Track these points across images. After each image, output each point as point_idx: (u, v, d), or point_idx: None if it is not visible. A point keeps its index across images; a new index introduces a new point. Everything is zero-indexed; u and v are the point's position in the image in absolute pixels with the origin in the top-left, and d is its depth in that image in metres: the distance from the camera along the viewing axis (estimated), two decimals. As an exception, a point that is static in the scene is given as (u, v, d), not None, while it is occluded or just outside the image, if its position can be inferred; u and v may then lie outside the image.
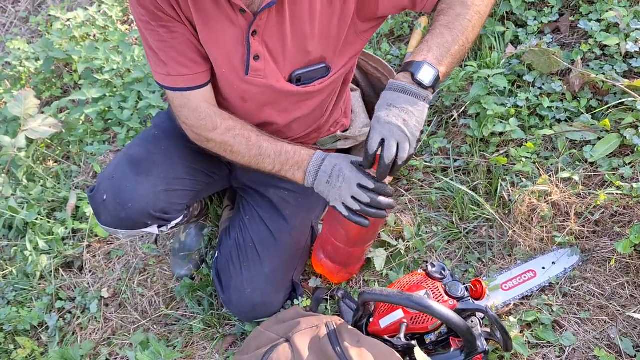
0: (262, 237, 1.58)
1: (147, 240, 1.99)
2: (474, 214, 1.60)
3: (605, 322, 1.36)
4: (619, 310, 1.35)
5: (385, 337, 1.37)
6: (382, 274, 1.62)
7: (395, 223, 1.69)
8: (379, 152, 1.17)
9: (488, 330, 1.35)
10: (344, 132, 1.71)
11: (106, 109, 2.44)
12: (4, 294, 1.98)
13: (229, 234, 1.63)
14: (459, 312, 1.33)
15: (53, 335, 1.84)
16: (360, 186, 1.24)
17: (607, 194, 1.44)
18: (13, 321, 1.86)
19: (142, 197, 1.38)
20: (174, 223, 1.53)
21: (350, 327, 1.37)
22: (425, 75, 1.14)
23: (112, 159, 1.50)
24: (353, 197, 1.24)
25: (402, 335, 1.32)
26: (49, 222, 2.10)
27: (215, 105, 1.37)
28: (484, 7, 1.24)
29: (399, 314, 1.35)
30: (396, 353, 1.29)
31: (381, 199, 1.23)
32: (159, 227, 1.49)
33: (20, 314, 1.86)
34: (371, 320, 1.41)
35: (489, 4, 1.27)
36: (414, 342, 1.32)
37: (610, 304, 1.37)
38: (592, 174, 1.54)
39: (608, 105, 1.59)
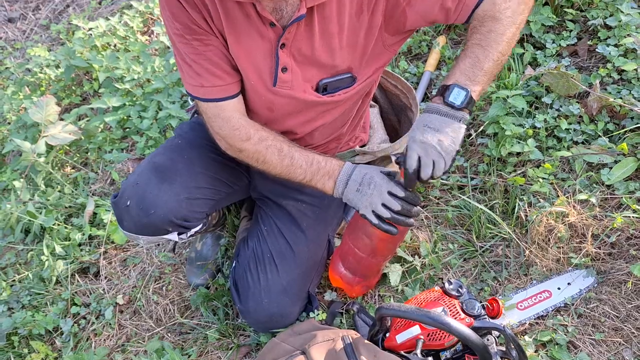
0: (280, 248, 1.59)
1: (164, 248, 2.01)
2: (491, 233, 1.62)
3: (620, 344, 1.37)
4: (633, 332, 1.36)
5: (402, 352, 1.38)
6: (397, 289, 1.63)
7: (411, 239, 1.71)
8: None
9: (503, 349, 1.36)
10: (362, 147, 1.73)
11: (125, 117, 2.48)
12: (19, 297, 2.00)
13: (247, 245, 1.65)
14: (476, 330, 1.34)
15: (67, 341, 1.86)
16: (390, 194, 1.28)
17: (623, 216, 1.45)
18: (28, 325, 1.87)
19: (164, 205, 1.41)
20: (193, 231, 1.55)
21: (366, 341, 1.38)
22: (457, 97, 1.19)
23: (137, 167, 1.53)
24: (384, 205, 1.28)
25: (418, 351, 1.33)
26: (66, 227, 2.13)
27: (246, 115, 1.41)
28: (518, 16, 1.25)
29: (416, 329, 1.36)
30: (412, 368, 1.31)
31: (409, 207, 1.28)
32: (179, 234, 1.51)
33: (35, 319, 1.88)
34: (387, 335, 1.42)
35: (525, 10, 1.27)
36: (430, 359, 1.33)
37: (625, 325, 1.38)
38: (609, 196, 1.55)
39: (625, 129, 1.61)
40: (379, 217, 1.30)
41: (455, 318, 1.34)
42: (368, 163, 1.77)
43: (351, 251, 1.51)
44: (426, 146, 1.19)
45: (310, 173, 1.36)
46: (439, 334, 1.34)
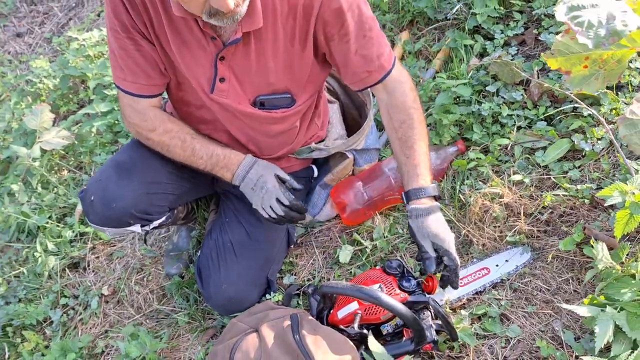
0: (239, 238, 1.71)
1: (142, 241, 2.14)
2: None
3: (550, 316, 1.44)
4: (562, 305, 1.43)
5: (342, 327, 1.48)
6: (351, 271, 1.73)
7: (370, 222, 1.81)
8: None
9: (440, 322, 1.45)
10: (319, 142, 1.83)
11: (115, 122, 2.63)
12: (16, 292, 2.16)
13: (210, 235, 1.77)
14: (410, 304, 1.43)
15: (57, 330, 2.00)
16: (278, 200, 1.50)
17: (554, 195, 1.53)
18: (21, 316, 2.03)
19: (123, 199, 1.54)
20: (156, 223, 1.68)
21: (310, 317, 1.49)
22: (438, 191, 1.44)
23: (102, 165, 1.67)
24: (271, 207, 1.51)
25: (355, 325, 1.43)
26: (58, 226, 2.29)
27: (159, 109, 1.55)
28: (419, 101, 1.52)
29: (354, 305, 1.47)
30: (349, 341, 1.41)
31: (293, 213, 1.52)
32: (142, 226, 1.64)
33: (28, 310, 2.04)
34: (331, 311, 1.53)
35: (420, 103, 1.52)
36: (365, 331, 1.43)
37: (555, 298, 1.46)
38: (545, 177, 1.63)
39: (557, 110, 1.68)
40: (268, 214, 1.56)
41: (390, 294, 1.44)
42: (324, 157, 1.88)
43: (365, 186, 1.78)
44: (451, 241, 1.40)
45: (210, 164, 1.53)
46: (374, 309, 1.44)
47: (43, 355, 1.90)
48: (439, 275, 1.46)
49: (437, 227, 1.39)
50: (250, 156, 1.55)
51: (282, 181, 1.56)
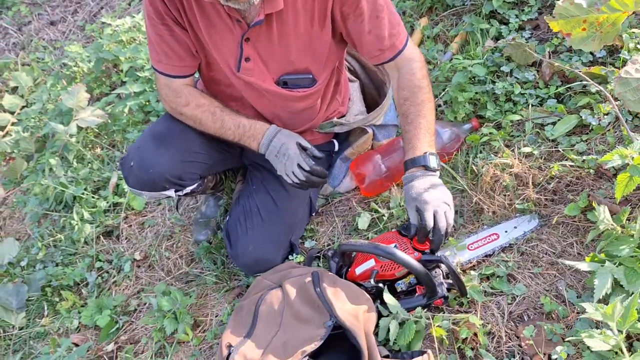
0: (265, 204, 1.84)
1: (174, 208, 2.28)
2: (450, 185, 1.82)
3: (554, 276, 1.54)
4: (567, 266, 1.54)
5: (360, 282, 1.60)
6: (368, 237, 1.85)
7: (387, 193, 1.93)
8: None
9: (450, 280, 1.56)
10: (340, 118, 1.95)
11: (146, 102, 2.78)
12: (54, 257, 2.32)
13: (238, 202, 1.90)
14: (424, 263, 1.54)
15: (92, 291, 2.15)
16: (299, 166, 1.61)
17: (561, 165, 1.63)
18: (59, 278, 2.18)
19: (160, 165, 1.67)
20: (189, 189, 1.81)
21: (330, 273, 1.61)
22: (433, 161, 1.53)
23: (141, 134, 1.80)
24: (293, 173, 1.62)
25: (372, 280, 1.55)
26: (93, 197, 2.44)
27: (192, 87, 1.70)
28: (429, 79, 1.63)
29: (371, 262, 1.58)
30: (365, 293, 1.53)
31: (314, 178, 1.62)
32: (175, 191, 1.77)
33: (65, 272, 2.19)
34: (350, 269, 1.64)
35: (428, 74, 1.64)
36: (381, 285, 1.55)
37: (560, 260, 1.56)
38: (553, 149, 1.73)
39: (567, 87, 1.78)
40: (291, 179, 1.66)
41: (405, 252, 1.55)
42: (345, 133, 2.00)
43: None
44: (436, 202, 1.48)
45: (238, 134, 1.66)
46: (390, 266, 1.56)
47: (79, 312, 2.05)
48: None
49: (420, 190, 1.50)
50: (274, 126, 1.67)
51: (303, 149, 1.66)
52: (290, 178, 1.65)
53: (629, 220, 1.46)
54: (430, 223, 1.48)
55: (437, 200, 1.49)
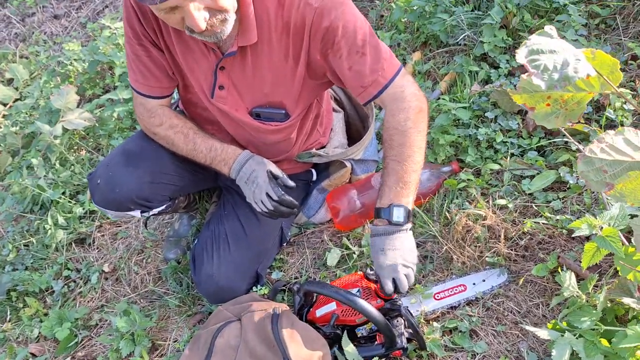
0: (235, 231, 1.81)
1: (148, 226, 2.25)
2: (422, 229, 1.78)
3: (517, 337, 1.51)
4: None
5: (319, 325, 1.57)
6: (336, 274, 1.81)
7: (361, 229, 1.89)
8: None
9: (411, 331, 1.52)
10: (319, 149, 1.92)
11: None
12: (24, 260, 2.29)
13: (208, 226, 1.87)
14: (385, 311, 1.51)
15: (57, 300, 2.12)
16: (268, 195, 1.56)
17: (534, 222, 1.60)
18: (25, 283, 2.15)
19: (127, 185, 1.64)
20: (156, 211, 1.78)
21: (290, 313, 1.58)
22: (398, 215, 1.41)
23: (112, 150, 1.77)
24: (261, 201, 1.57)
25: (330, 324, 1.52)
26: (70, 202, 2.41)
27: (168, 108, 1.67)
28: (419, 124, 1.45)
29: (332, 306, 1.55)
30: (322, 338, 1.50)
31: (282, 208, 1.57)
32: (142, 212, 1.74)
33: (33, 278, 2.16)
34: (311, 309, 1.61)
35: (423, 117, 1.47)
36: (339, 332, 1.51)
37: (524, 320, 1.52)
38: (528, 204, 1.69)
39: (549, 142, 1.75)
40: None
41: (367, 299, 1.52)
42: (325, 163, 1.97)
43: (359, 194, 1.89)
44: (395, 267, 1.41)
45: (209, 158, 1.62)
46: (350, 311, 1.52)
47: (41, 321, 2.02)
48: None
49: (380, 253, 1.43)
50: (247, 151, 1.64)
51: (274, 177, 1.62)
52: (259, 206, 1.61)
53: (596, 286, 1.43)
54: (390, 290, 1.44)
55: (397, 265, 1.41)
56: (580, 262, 1.51)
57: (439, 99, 2.05)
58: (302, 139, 1.79)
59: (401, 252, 1.42)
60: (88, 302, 2.10)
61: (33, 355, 1.95)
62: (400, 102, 1.47)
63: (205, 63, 1.51)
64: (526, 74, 0.85)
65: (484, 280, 1.64)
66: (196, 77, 1.56)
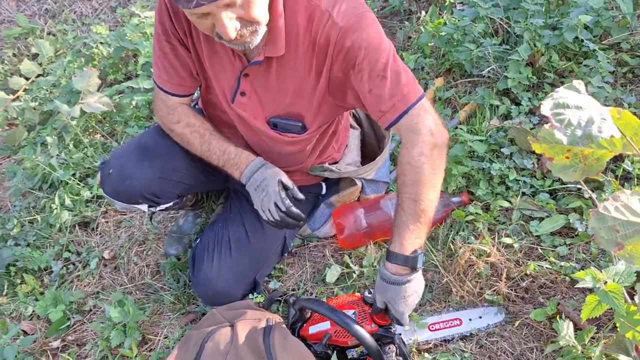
0: (238, 236, 1.81)
1: (151, 218, 2.26)
2: (425, 259, 1.77)
3: (507, 378, 1.50)
4: (521, 371, 1.49)
5: (311, 342, 1.56)
6: (334, 291, 1.81)
7: (364, 249, 1.89)
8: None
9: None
10: (332, 164, 1.92)
11: (153, 100, 2.76)
12: (27, 236, 2.30)
13: (212, 227, 1.87)
14: (378, 337, 1.51)
15: (54, 280, 2.13)
16: (276, 205, 1.54)
17: (538, 265, 1.59)
18: (25, 260, 2.16)
19: (138, 179, 1.65)
20: (163, 206, 1.78)
21: (283, 326, 1.57)
22: (421, 262, 1.38)
23: (127, 141, 1.78)
24: (269, 210, 1.55)
25: (322, 343, 1.51)
26: (79, 184, 2.42)
27: (188, 106, 1.68)
28: (434, 161, 1.38)
29: (326, 325, 1.55)
30: (313, 356, 1.49)
31: (289, 220, 1.55)
32: (149, 206, 1.75)
33: (33, 255, 2.17)
34: (304, 325, 1.61)
35: (440, 154, 1.40)
36: (330, 352, 1.51)
37: (516, 364, 1.51)
38: (534, 246, 1.68)
39: (562, 187, 1.74)
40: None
41: (362, 322, 1.51)
42: (335, 178, 1.97)
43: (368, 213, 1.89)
44: (411, 308, 1.42)
45: (222, 160, 1.62)
46: (344, 332, 1.52)
47: (36, 299, 2.03)
48: None
49: (397, 299, 1.40)
50: (260, 159, 1.63)
51: (285, 188, 1.60)
52: (266, 215, 1.60)
53: (593, 339, 1.42)
54: (407, 323, 1.45)
55: (411, 308, 1.42)
56: (580, 311, 1.50)
57: (456, 128, 2.05)
58: (316, 153, 1.79)
59: (419, 293, 1.42)
60: (84, 286, 2.10)
61: (25, 332, 1.95)
62: (415, 135, 1.40)
63: (230, 68, 1.52)
64: (548, 124, 0.85)
65: (480, 317, 1.63)
66: (219, 80, 1.57)
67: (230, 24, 1.24)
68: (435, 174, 1.39)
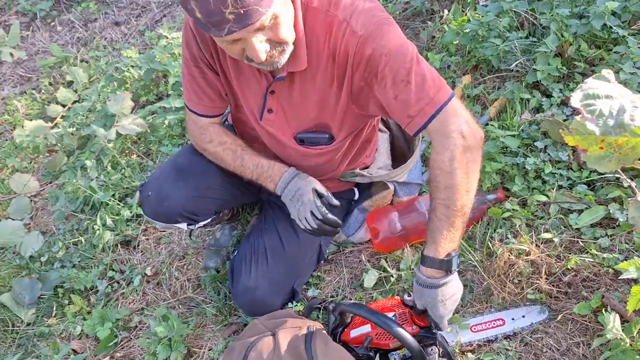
0: (274, 245, 1.83)
1: (190, 235, 2.31)
2: (464, 259, 1.76)
3: (555, 375, 1.47)
4: (569, 367, 1.46)
5: (352, 346, 1.56)
6: (372, 296, 1.81)
7: (400, 252, 1.89)
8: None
9: (445, 360, 1.50)
10: (363, 169, 1.93)
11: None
12: (72, 258, 2.38)
13: (248, 238, 1.90)
14: (420, 338, 1.50)
15: (100, 299, 2.19)
16: (312, 214, 1.56)
17: (580, 258, 1.55)
18: (72, 281, 2.24)
19: (175, 199, 1.70)
20: (202, 223, 1.83)
21: (324, 332, 1.58)
22: (456, 264, 1.38)
23: (164, 163, 1.83)
24: (305, 219, 1.57)
25: (364, 346, 1.52)
26: (118, 204, 2.49)
27: (219, 125, 1.71)
28: (466, 165, 1.34)
29: (367, 328, 1.55)
30: (354, 360, 1.49)
31: (326, 227, 1.57)
32: (188, 224, 1.79)
33: (79, 276, 2.24)
34: (345, 330, 1.61)
35: (473, 157, 1.36)
36: (372, 354, 1.51)
37: (563, 358, 1.48)
38: (575, 239, 1.65)
39: (600, 176, 1.70)
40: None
41: (403, 324, 1.51)
42: (367, 183, 1.98)
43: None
44: (450, 312, 1.43)
45: (256, 174, 1.65)
46: (385, 335, 1.52)
47: (84, 319, 2.09)
48: None
49: (435, 303, 1.40)
50: (292, 169, 1.65)
51: (319, 195, 1.61)
52: (303, 224, 1.62)
53: (641, 331, 1.38)
54: (445, 330, 1.45)
55: (450, 312, 1.42)
56: (626, 303, 1.46)
57: (487, 124, 2.03)
58: (347, 161, 1.80)
59: (457, 296, 1.42)
60: (129, 303, 2.16)
61: (74, 351, 2.02)
62: (445, 139, 1.35)
63: (257, 87, 1.55)
64: (579, 116, 0.84)
65: (523, 316, 1.60)
66: (247, 99, 1.60)
67: (260, 47, 1.27)
68: (468, 177, 1.35)
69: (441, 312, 1.40)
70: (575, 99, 0.80)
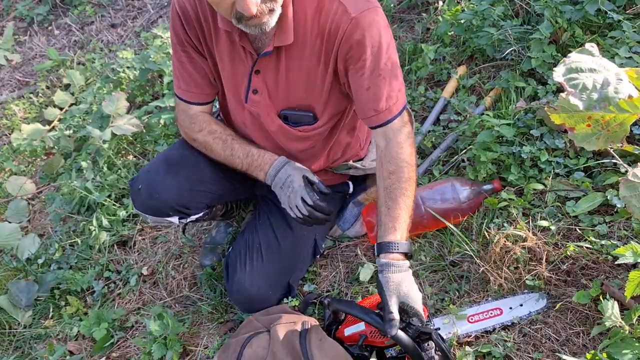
0: (268, 241, 1.81)
1: (184, 231, 2.29)
2: (459, 249, 1.73)
3: (554, 366, 1.44)
4: (569, 357, 1.43)
5: (346, 344, 1.54)
6: (369, 290, 1.78)
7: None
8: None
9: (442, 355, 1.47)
10: (357, 161, 1.90)
11: (180, 117, 2.81)
12: (69, 260, 2.37)
13: (243, 235, 1.88)
14: (415, 335, 1.46)
15: (97, 300, 2.18)
16: (303, 200, 1.54)
17: (577, 246, 1.52)
18: (68, 282, 2.22)
19: (167, 192, 1.67)
20: (193, 217, 1.80)
21: (319, 328, 1.56)
22: (410, 249, 1.44)
23: (154, 157, 1.81)
24: (296, 206, 1.55)
25: (358, 345, 1.49)
26: (114, 205, 2.48)
27: (209, 114, 1.69)
28: (415, 158, 1.52)
29: (361, 326, 1.52)
30: (350, 358, 1.46)
31: (317, 214, 1.56)
32: (179, 218, 1.77)
33: (75, 277, 2.23)
34: (340, 327, 1.59)
35: (416, 158, 1.53)
36: (367, 353, 1.48)
37: (563, 349, 1.45)
38: (572, 227, 1.62)
39: (597, 163, 1.67)
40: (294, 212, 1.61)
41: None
42: (362, 176, 1.95)
43: None
44: (419, 300, 1.40)
45: (246, 163, 1.63)
46: (379, 333, 1.49)
47: (81, 320, 2.08)
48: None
49: (408, 286, 1.38)
50: (283, 157, 1.64)
51: (310, 183, 1.60)
52: (294, 211, 1.60)
53: (639, 318, 1.35)
54: (424, 322, 1.41)
55: (420, 299, 1.39)
56: (625, 290, 1.43)
57: (482, 114, 2.00)
58: (329, 148, 1.77)
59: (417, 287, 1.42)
60: (126, 303, 2.14)
61: (71, 353, 2.00)
62: (403, 137, 1.51)
63: (242, 68, 1.53)
64: (564, 92, 0.82)
65: (521, 305, 1.57)
66: (233, 82, 1.58)
67: None
68: (416, 169, 1.52)
69: (418, 297, 1.38)
70: (558, 74, 0.78)
